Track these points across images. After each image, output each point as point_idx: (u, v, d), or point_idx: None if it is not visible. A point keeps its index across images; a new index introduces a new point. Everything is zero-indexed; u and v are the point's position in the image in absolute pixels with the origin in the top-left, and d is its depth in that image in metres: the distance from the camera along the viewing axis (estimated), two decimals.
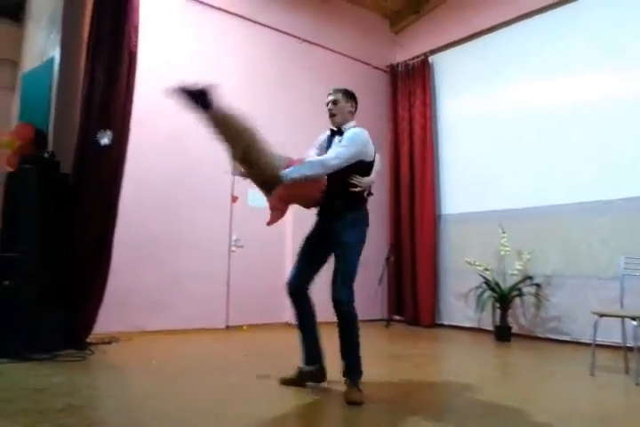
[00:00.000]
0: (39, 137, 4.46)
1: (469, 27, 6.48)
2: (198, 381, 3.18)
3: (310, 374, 3.03)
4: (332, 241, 2.94)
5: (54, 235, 3.93)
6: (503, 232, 5.67)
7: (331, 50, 6.70)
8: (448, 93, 6.82)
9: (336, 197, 2.92)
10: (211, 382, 3.13)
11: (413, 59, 7.07)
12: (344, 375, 2.88)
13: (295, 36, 6.36)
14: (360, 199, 3.01)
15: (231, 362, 3.87)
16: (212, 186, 5.55)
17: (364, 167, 2.97)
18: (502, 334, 5.36)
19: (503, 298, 5.49)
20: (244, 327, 5.39)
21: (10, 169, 4.43)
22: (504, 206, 5.91)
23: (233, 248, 5.67)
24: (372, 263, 6.40)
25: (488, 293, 5.58)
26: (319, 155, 3.06)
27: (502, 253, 5.66)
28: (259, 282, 5.69)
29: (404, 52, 7.33)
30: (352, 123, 3.08)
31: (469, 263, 5.82)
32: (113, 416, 2.50)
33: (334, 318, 2.86)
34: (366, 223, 3.02)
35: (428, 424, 2.39)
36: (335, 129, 3.10)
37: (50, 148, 4.39)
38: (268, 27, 6.14)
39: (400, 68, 7.23)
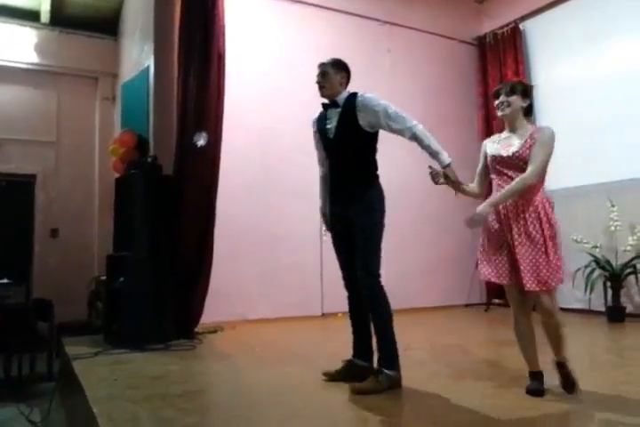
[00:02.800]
0: (141, 142, 4.80)
1: None
2: (300, 366, 3.31)
3: (359, 369, 2.85)
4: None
5: (161, 233, 4.22)
6: (612, 206, 5.26)
7: (412, 28, 6.48)
8: (543, 61, 6.37)
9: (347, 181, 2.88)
10: (312, 368, 3.20)
11: (502, 28, 6.66)
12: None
13: (373, 19, 6.22)
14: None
15: (331, 348, 3.95)
16: (300, 176, 5.60)
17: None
18: (615, 314, 5.02)
19: (615, 276, 5.12)
20: (339, 315, 5.48)
21: (117, 174, 4.83)
22: (612, 178, 5.45)
23: (324, 237, 5.75)
24: (468, 246, 6.24)
25: (598, 271, 5.23)
26: (319, 156, 3.02)
27: (612, 228, 5.26)
28: None
29: (492, 22, 6.91)
30: (345, 93, 2.88)
31: (576, 241, 5.45)
32: (227, 401, 2.69)
33: None
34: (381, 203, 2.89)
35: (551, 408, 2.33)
36: (328, 102, 2.88)
37: (151, 152, 4.71)
38: (345, 12, 6.04)
39: (488, 39, 6.85)
